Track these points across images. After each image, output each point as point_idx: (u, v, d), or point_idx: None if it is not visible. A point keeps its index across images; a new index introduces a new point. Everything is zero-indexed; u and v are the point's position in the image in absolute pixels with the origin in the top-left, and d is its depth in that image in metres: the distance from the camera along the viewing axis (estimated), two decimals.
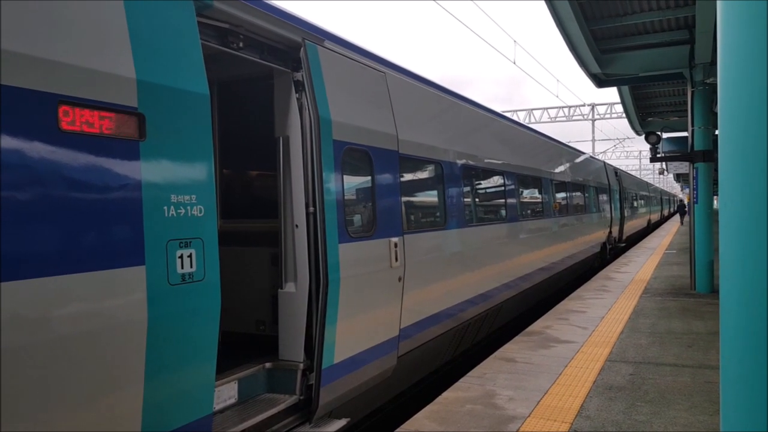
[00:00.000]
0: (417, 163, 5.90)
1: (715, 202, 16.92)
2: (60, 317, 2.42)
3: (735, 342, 1.38)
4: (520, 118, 33.33)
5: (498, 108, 33.49)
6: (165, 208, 2.86)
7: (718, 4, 1.70)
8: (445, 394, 4.94)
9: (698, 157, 10.26)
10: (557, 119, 34.08)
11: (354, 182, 4.73)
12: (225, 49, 3.65)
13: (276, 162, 4.25)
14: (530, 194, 10.13)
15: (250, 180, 5.57)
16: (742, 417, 1.36)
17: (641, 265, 14.37)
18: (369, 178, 4.85)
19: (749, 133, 1.51)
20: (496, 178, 8.29)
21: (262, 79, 4.66)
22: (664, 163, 12.97)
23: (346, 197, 4.47)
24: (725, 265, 1.47)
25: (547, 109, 33.64)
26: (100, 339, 2.57)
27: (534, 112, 33.83)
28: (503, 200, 8.38)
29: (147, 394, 2.76)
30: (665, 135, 19.30)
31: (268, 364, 4.12)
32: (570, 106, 34.00)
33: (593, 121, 35.03)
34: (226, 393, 3.78)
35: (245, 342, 4.68)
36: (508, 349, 6.41)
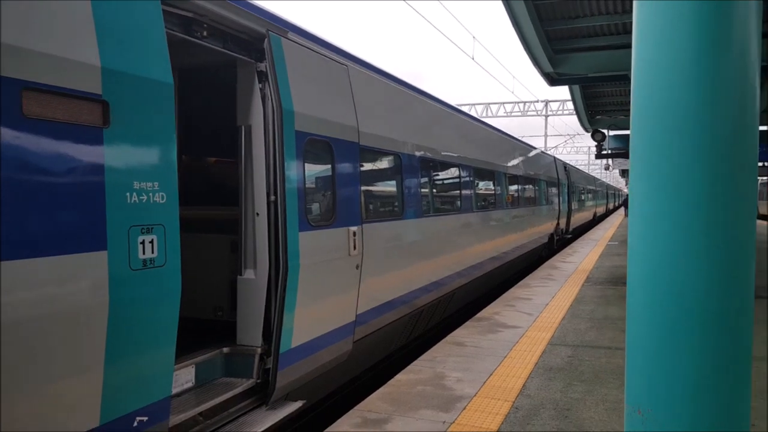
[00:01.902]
0: (376, 155, 6.12)
1: None
2: (22, 300, 2.47)
3: (640, 318, 1.67)
4: (478, 111, 33.93)
5: (457, 102, 33.96)
6: (127, 194, 2.93)
7: (634, 20, 1.95)
8: (397, 377, 5.22)
9: None
10: (513, 114, 34.87)
11: (315, 172, 4.89)
12: (189, 37, 3.71)
13: (237, 150, 4.34)
14: (484, 186, 10.52)
15: (209, 167, 5.66)
16: (643, 387, 1.66)
17: (585, 256, 15.06)
18: (330, 168, 5.02)
19: (653, 138, 1.78)
20: (452, 170, 8.61)
21: (223, 68, 4.71)
22: (609, 159, 13.66)
23: (307, 186, 4.61)
24: (632, 252, 1.76)
25: (503, 104, 34.36)
26: (62, 322, 2.63)
27: (491, 106, 34.48)
28: (458, 192, 8.72)
29: (107, 377, 2.84)
30: (612, 132, 20.12)
31: (225, 349, 4.24)
32: (525, 102, 34.86)
33: (546, 117, 36.02)
34: (184, 377, 3.87)
35: (202, 328, 4.76)
36: (459, 334, 6.76)
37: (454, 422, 4.16)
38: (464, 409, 4.42)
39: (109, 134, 2.85)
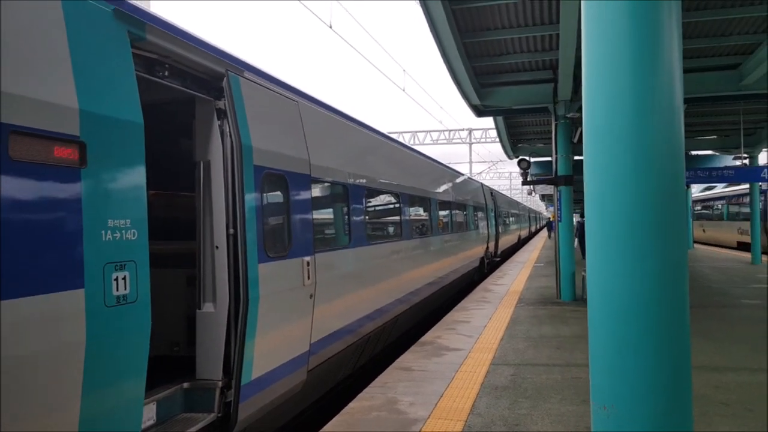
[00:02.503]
0: (326, 186, 6.31)
1: (574, 219, 18.97)
2: (5, 339, 2.50)
3: (599, 329, 1.96)
4: (405, 139, 34.83)
5: (387, 130, 34.71)
6: (102, 232, 3.00)
7: (583, 53, 2.27)
8: (351, 405, 5.34)
9: (561, 182, 11.67)
10: (439, 141, 36.04)
11: (271, 204, 5.01)
12: (151, 77, 3.80)
13: (194, 185, 4.40)
14: (420, 213, 10.90)
15: (162, 202, 5.65)
16: (606, 387, 1.94)
17: (514, 278, 15.77)
18: (285, 200, 5.17)
19: (607, 162, 2.09)
20: (392, 198, 8.92)
21: (178, 105, 4.79)
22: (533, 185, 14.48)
23: (264, 219, 4.72)
24: (591, 273, 2.05)
25: (429, 131, 35.48)
26: (41, 360, 2.66)
27: (418, 134, 35.53)
28: (398, 219, 9.02)
29: (83, 412, 2.87)
30: (533, 159, 21.30)
31: (186, 384, 4.22)
32: (450, 130, 36.14)
33: (470, 144, 37.46)
34: (146, 414, 3.82)
35: (156, 364, 4.72)
36: (405, 359, 6.97)
37: None
38: (420, 431, 4.62)
39: (86, 174, 2.92)
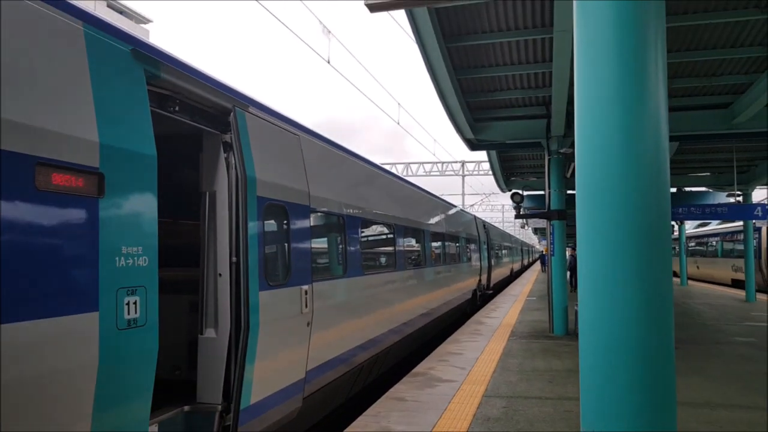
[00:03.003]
0: (324, 217, 6.44)
1: (567, 253, 19.09)
2: (23, 359, 2.61)
3: (589, 357, 2.04)
4: (399, 170, 35.14)
5: (381, 159, 35.09)
6: (117, 258, 3.14)
7: (576, 93, 2.39)
8: None
9: (554, 216, 11.82)
10: (431, 173, 36.38)
11: (273, 234, 5.13)
12: (162, 112, 3.97)
13: (200, 214, 4.53)
14: (414, 245, 11.00)
15: (165, 229, 5.73)
16: (595, 413, 2.01)
17: (507, 311, 15.78)
18: (285, 230, 5.29)
19: (597, 198, 2.19)
20: (387, 230, 9.03)
21: (183, 138, 4.97)
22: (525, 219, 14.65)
23: (265, 248, 4.84)
24: (582, 304, 2.14)
25: (422, 163, 35.85)
26: (56, 379, 2.77)
27: (411, 165, 35.87)
28: (393, 250, 9.11)
29: (94, 429, 2.97)
30: (526, 192, 21.56)
31: (186, 407, 4.29)
32: (443, 162, 36.54)
33: (463, 176, 37.83)
34: None
35: (158, 387, 4.80)
36: (398, 389, 6.97)
37: None
38: None
39: (104, 203, 3.08)
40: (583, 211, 2.24)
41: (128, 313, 3.19)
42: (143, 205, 3.37)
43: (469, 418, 5.77)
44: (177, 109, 4.07)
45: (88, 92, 3.08)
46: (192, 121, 4.26)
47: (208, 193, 4.50)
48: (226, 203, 4.45)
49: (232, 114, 4.52)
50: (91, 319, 2.95)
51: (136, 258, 3.27)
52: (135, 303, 3.24)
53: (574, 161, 15.99)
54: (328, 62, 11.51)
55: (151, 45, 3.79)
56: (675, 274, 35.55)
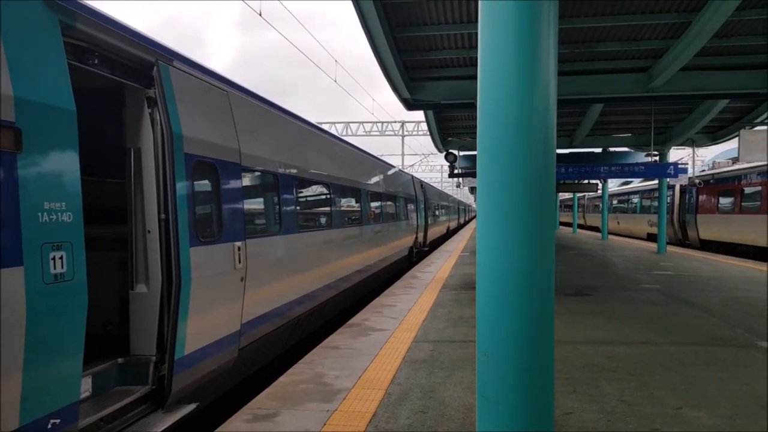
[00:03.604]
0: (256, 175, 6.53)
1: None
2: None
3: (483, 292, 2.38)
4: (338, 129, 35.03)
5: (321, 118, 34.77)
6: (39, 214, 3.17)
7: (479, 63, 2.64)
8: (280, 379, 5.64)
9: None
10: (372, 133, 36.48)
11: (202, 191, 5.20)
12: (81, 65, 3.91)
13: (125, 171, 4.54)
14: (350, 203, 11.26)
15: (92, 186, 5.70)
16: (487, 338, 2.36)
17: (441, 266, 16.43)
18: (215, 187, 5.37)
19: (491, 164, 2.49)
20: (322, 188, 9.21)
21: (106, 92, 4.89)
22: (460, 177, 15.18)
23: (195, 205, 4.92)
24: (479, 247, 2.47)
25: (362, 123, 35.85)
26: None
27: (351, 125, 35.81)
28: (328, 209, 9.34)
29: (25, 382, 3.04)
30: (462, 153, 22.10)
31: (120, 359, 4.42)
32: (383, 122, 36.66)
33: (402, 137, 38.15)
34: (82, 387, 3.99)
35: (90, 342, 4.88)
36: (333, 339, 7.32)
37: (336, 410, 4.71)
38: (344, 399, 4.99)
39: (23, 159, 3.08)
40: (482, 168, 2.53)
41: (54, 268, 3.23)
42: (64, 161, 3.37)
43: (398, 361, 6.20)
44: (96, 62, 4.00)
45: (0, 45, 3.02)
46: (112, 74, 4.20)
47: (132, 149, 4.49)
48: (152, 160, 4.47)
49: (155, 68, 4.49)
50: (16, 274, 2.99)
51: (59, 214, 3.29)
52: (61, 258, 3.28)
53: None
54: (260, 14, 11.34)
55: None
56: (596, 229, 37.67)
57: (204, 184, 5.23)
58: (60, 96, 3.37)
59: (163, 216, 4.50)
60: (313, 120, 9.78)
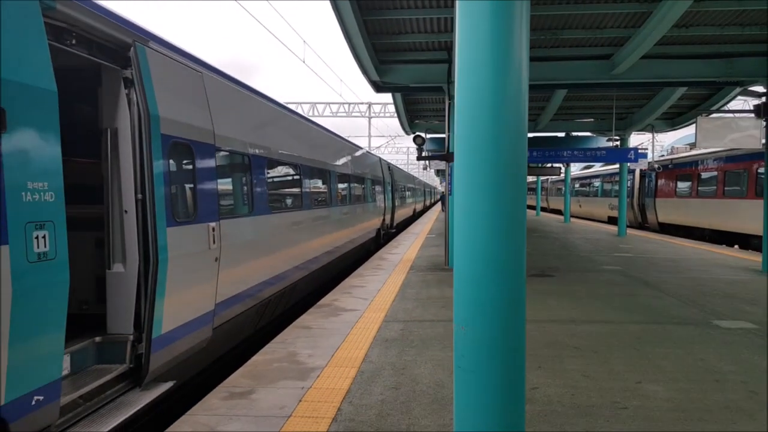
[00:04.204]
0: (230, 156, 6.54)
1: None
2: None
3: (460, 268, 2.52)
4: (305, 110, 34.74)
5: (286, 100, 34.35)
6: (23, 193, 3.19)
7: (456, 47, 2.75)
8: (254, 358, 5.73)
9: (452, 158, 12.52)
10: (338, 114, 36.31)
11: (178, 172, 5.21)
12: (59, 45, 3.89)
13: (101, 151, 4.53)
14: (320, 185, 11.30)
15: (65, 166, 5.63)
16: (464, 312, 2.51)
17: (408, 248, 16.65)
18: (191, 168, 5.38)
19: (474, 144, 2.61)
20: (292, 170, 9.24)
21: (78, 73, 4.85)
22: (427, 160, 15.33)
23: (171, 185, 4.94)
24: (457, 225, 2.59)
25: (329, 104, 35.63)
26: None
27: (317, 105, 35.56)
28: (299, 190, 9.38)
29: (10, 359, 3.09)
30: (429, 135, 22.27)
31: (98, 338, 4.46)
32: (349, 103, 36.51)
33: (369, 118, 38.08)
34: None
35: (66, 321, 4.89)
36: (305, 319, 7.43)
37: (311, 387, 4.83)
38: (318, 376, 5.12)
39: (6, 139, 3.08)
40: (459, 151, 2.65)
41: (38, 247, 3.28)
42: (46, 141, 3.40)
43: (369, 340, 6.36)
44: (74, 42, 4.00)
45: None
46: (89, 55, 4.19)
47: (109, 129, 4.49)
48: (129, 140, 4.48)
49: (132, 49, 4.49)
50: (2, 252, 3.02)
51: (42, 193, 3.33)
52: (44, 237, 3.32)
53: None
54: None
55: None
56: (559, 212, 38.58)
57: (179, 165, 5.24)
58: (42, 77, 3.38)
59: (139, 196, 4.52)
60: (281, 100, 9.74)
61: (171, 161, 4.94)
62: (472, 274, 2.49)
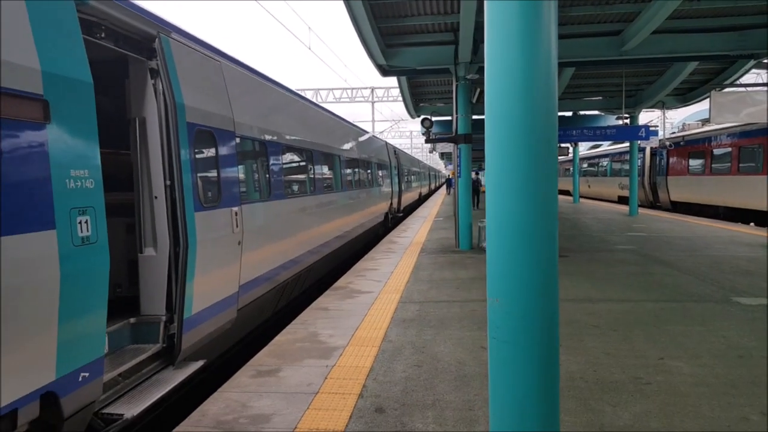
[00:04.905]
0: (248, 142, 6.63)
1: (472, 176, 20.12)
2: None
3: (493, 243, 2.56)
4: (308, 96, 34.65)
5: (290, 84, 34.30)
6: (67, 181, 3.32)
7: (486, 18, 2.76)
8: (277, 338, 5.83)
9: (461, 140, 12.51)
10: (342, 100, 36.20)
11: (203, 159, 5.34)
12: (89, 38, 4.01)
13: (130, 140, 4.67)
14: (332, 170, 11.34)
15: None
16: (498, 284, 2.55)
17: (417, 231, 16.71)
18: (214, 154, 5.49)
19: (507, 123, 2.64)
20: (306, 155, 9.29)
21: (108, 64, 4.96)
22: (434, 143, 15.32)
23: (197, 172, 5.07)
24: (489, 204, 2.63)
25: (332, 89, 35.51)
26: (26, 291, 2.98)
27: (320, 91, 35.44)
28: (312, 175, 9.43)
29: (60, 338, 3.24)
30: (434, 118, 22.21)
31: (132, 319, 4.63)
32: (353, 88, 36.37)
33: (373, 103, 37.95)
34: None
35: None
36: (321, 301, 7.52)
37: (335, 365, 4.92)
38: (341, 355, 5.21)
39: (51, 128, 3.22)
40: (491, 126, 2.67)
41: (81, 231, 3.41)
42: (85, 131, 3.52)
43: (387, 320, 6.44)
44: (103, 35, 4.12)
45: (27, 23, 3.13)
46: (117, 47, 4.30)
47: (137, 119, 4.61)
48: (156, 129, 4.60)
49: (157, 40, 4.58)
50: (50, 237, 3.15)
51: (83, 180, 3.45)
52: (86, 222, 3.45)
53: (480, 87, 16.65)
54: None
55: None
56: (568, 193, 38.46)
57: (204, 152, 5.37)
58: (79, 69, 3.50)
59: (168, 182, 4.64)
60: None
61: (196, 148, 5.06)
62: (506, 247, 2.54)
